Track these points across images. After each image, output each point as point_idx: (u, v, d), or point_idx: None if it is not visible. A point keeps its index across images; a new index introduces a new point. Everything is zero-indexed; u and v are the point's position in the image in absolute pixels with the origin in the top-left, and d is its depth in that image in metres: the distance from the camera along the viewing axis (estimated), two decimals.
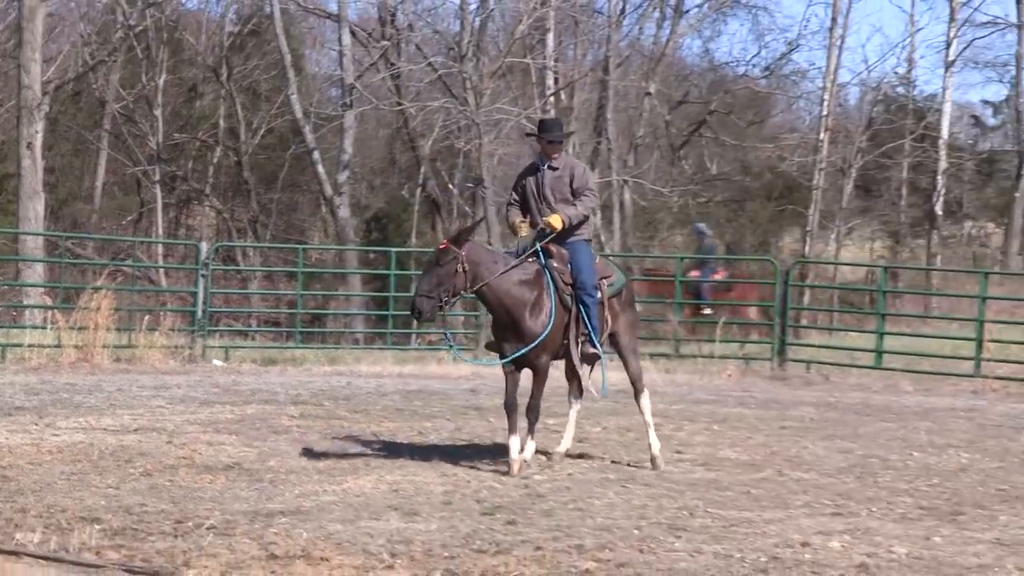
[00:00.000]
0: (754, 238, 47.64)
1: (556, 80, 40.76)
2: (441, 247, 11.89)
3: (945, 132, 49.73)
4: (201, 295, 23.70)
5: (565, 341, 12.31)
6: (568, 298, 12.22)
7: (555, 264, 12.29)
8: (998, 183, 53.76)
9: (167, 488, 10.99)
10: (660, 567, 8.71)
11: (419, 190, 43.94)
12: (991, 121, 57.96)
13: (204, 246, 24.72)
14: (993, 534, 10.04)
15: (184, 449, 12.95)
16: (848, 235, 50.60)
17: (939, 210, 49.43)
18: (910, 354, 24.08)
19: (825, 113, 46.37)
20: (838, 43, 47.20)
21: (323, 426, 14.89)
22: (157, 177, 44.69)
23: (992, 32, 51.67)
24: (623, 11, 44.82)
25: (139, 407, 16.02)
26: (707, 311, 26.67)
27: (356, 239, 41.17)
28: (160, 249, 44.34)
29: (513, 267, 12.06)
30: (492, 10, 41.37)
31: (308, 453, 12.95)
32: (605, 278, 12.59)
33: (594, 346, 12.42)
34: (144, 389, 18.01)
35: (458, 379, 21.10)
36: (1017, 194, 49.89)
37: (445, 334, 12.99)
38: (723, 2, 47.19)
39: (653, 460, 12.70)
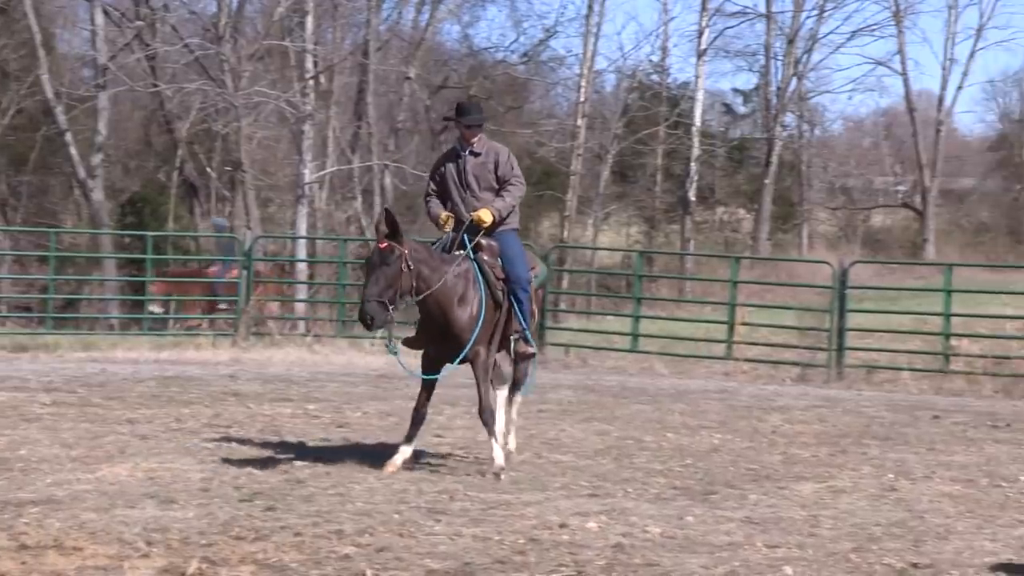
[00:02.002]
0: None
1: (315, 63, 40.44)
2: (383, 247, 11.09)
3: (698, 119, 50.85)
4: None
5: (498, 337, 11.78)
6: (500, 293, 11.66)
7: (485, 258, 11.67)
8: (748, 170, 55.14)
9: None
10: (420, 551, 8.73)
11: (176, 173, 43.21)
12: (741, 109, 59.38)
13: None
14: (743, 512, 10.29)
15: None
16: (605, 220, 51.31)
17: (692, 196, 50.50)
18: (665, 337, 24.56)
19: (582, 99, 46.96)
20: (594, 30, 47.90)
21: (77, 413, 14.57)
22: None
23: (742, 22, 53.07)
24: None
25: None
26: (222, 306, 26.83)
27: (111, 223, 40.35)
28: None
29: (455, 266, 11.43)
30: None
31: (61, 441, 12.66)
32: (531, 269, 12.08)
33: (528, 343, 11.97)
34: None
35: (216, 365, 20.86)
36: (766, 181, 51.32)
37: (387, 337, 11.57)
38: None
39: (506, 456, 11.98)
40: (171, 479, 10.96)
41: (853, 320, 22.87)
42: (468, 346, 11.41)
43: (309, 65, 40.07)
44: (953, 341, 22.76)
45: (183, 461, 11.80)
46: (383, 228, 11.26)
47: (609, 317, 30.02)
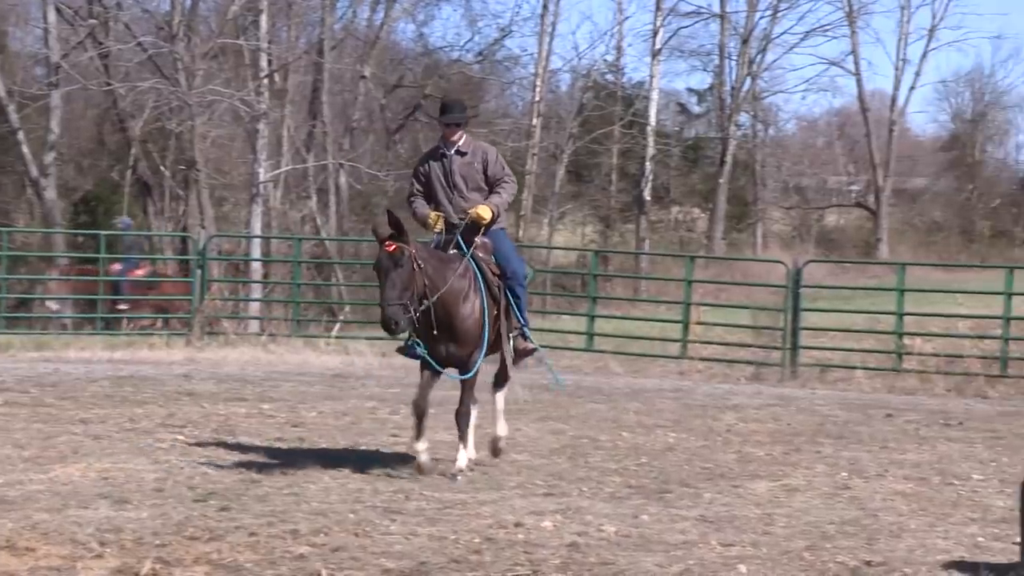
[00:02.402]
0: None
1: (270, 62, 40.34)
2: (392, 248, 10.70)
3: (653, 119, 51.02)
4: None
5: (496, 335, 11.51)
6: (496, 289, 11.41)
7: (480, 255, 11.42)
8: (703, 169, 55.30)
9: None
10: (375, 550, 8.73)
11: (129, 172, 42.99)
12: (696, 109, 59.54)
13: None
14: (698, 511, 10.32)
15: None
16: (561, 220, 51.34)
17: (647, 195, 50.63)
18: (620, 336, 24.59)
19: (537, 99, 47.03)
20: (549, 30, 48.00)
21: (29, 413, 14.49)
22: None
23: (696, 22, 53.29)
24: None
25: None
26: (123, 307, 26.89)
27: (64, 222, 40.18)
28: None
29: (458, 266, 11.18)
30: None
31: (13, 441, 12.58)
32: None
33: (527, 340, 11.77)
34: None
35: (171, 364, 20.78)
36: (721, 180, 51.50)
37: (413, 341, 11.21)
38: None
39: (495, 443, 12.21)
40: (125, 479, 10.91)
41: (807, 319, 22.95)
42: (481, 351, 11.30)
43: (263, 64, 39.98)
44: (906, 340, 22.88)
45: (137, 461, 11.75)
46: (386, 230, 10.84)
47: (564, 316, 30.04)
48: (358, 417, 14.96)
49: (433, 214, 11.41)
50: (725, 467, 12.47)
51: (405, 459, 12.34)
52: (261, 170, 38.66)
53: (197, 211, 39.22)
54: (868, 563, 8.74)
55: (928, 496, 11.24)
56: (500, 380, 12.04)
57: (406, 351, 11.60)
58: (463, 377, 11.33)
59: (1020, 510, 8.62)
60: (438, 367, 11.28)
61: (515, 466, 12.04)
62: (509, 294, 11.46)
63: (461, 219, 11.42)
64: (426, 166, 11.56)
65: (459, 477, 11.26)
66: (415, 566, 8.35)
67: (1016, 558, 8.63)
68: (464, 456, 11.42)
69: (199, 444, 12.84)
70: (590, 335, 24.17)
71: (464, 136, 11.58)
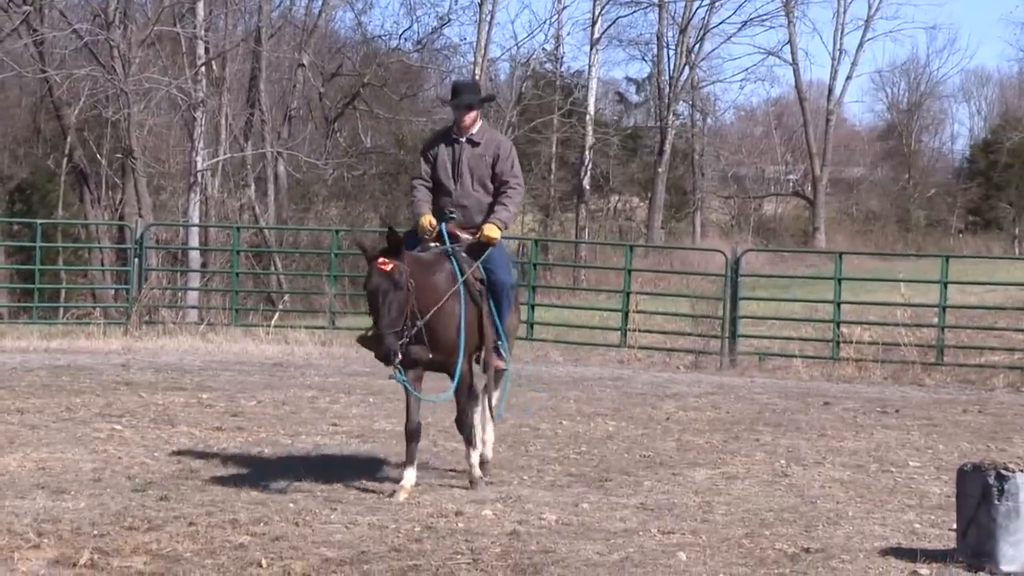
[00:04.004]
0: (409, 211, 47.98)
1: (207, 50, 40.19)
2: (388, 268, 9.63)
3: (591, 108, 51.17)
4: None
5: (480, 343, 10.52)
6: (478, 295, 10.37)
7: (463, 255, 10.37)
8: (642, 158, 55.53)
9: None
10: (315, 539, 8.71)
11: (65, 160, 42.73)
12: (635, 98, 59.82)
13: None
14: (638, 499, 10.35)
15: None
16: None
17: (587, 184, 50.81)
18: (560, 325, 24.63)
19: None
20: (488, 18, 48.07)
21: None
22: None
23: (635, 11, 53.56)
24: None
25: None
26: None
27: None
28: None
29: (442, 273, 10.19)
30: None
31: None
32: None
33: (501, 357, 10.69)
34: None
35: (108, 354, 20.64)
36: (660, 169, 51.68)
37: (397, 370, 9.87)
38: None
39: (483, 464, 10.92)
40: (62, 469, 10.83)
41: (745, 308, 23.08)
42: (460, 357, 10.21)
43: (201, 52, 39.84)
44: (843, 329, 22.99)
45: (74, 451, 11.67)
46: (376, 244, 9.89)
47: None
48: (298, 406, 14.90)
49: (426, 219, 10.39)
50: (665, 455, 12.51)
51: (345, 448, 12.31)
52: (199, 158, 38.50)
53: (134, 199, 39.00)
54: (807, 550, 8.79)
55: (865, 483, 11.31)
56: (463, 427, 10.65)
57: (365, 343, 10.48)
58: (446, 397, 10.46)
59: (956, 497, 8.70)
60: (419, 395, 10.32)
61: (455, 455, 12.02)
62: (492, 304, 10.48)
63: (451, 213, 10.51)
64: (435, 148, 10.56)
65: (483, 479, 10.58)
66: (355, 555, 8.34)
67: (952, 544, 8.70)
68: (476, 457, 10.58)
69: (137, 434, 12.76)
70: (530, 324, 24.18)
71: (479, 123, 10.60)
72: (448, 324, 10.15)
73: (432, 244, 10.43)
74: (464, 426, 10.53)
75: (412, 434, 10.19)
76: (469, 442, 10.54)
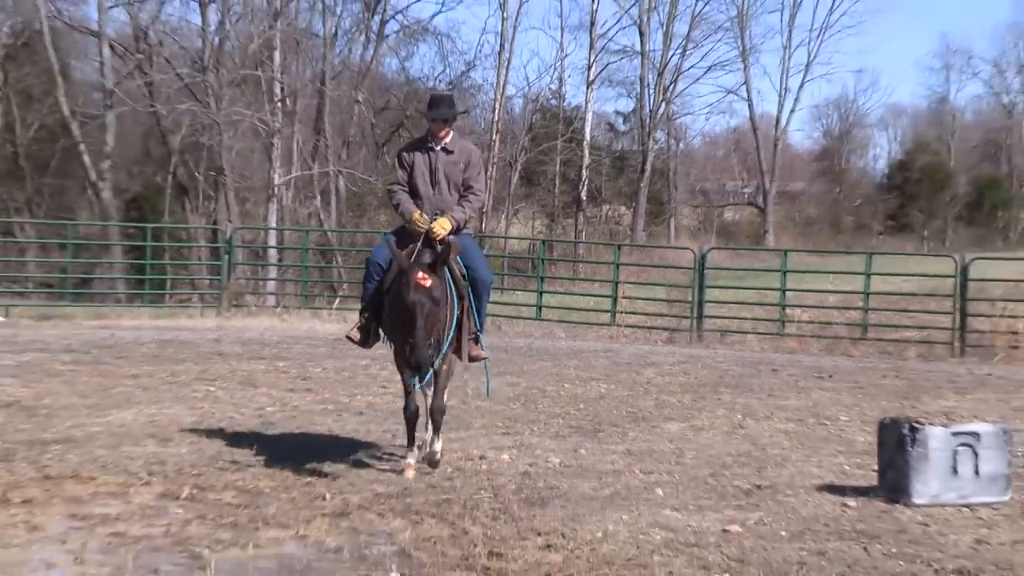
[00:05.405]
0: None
1: (282, 89, 40.14)
2: (428, 284, 8.31)
3: (587, 135, 51.07)
4: None
5: (459, 338, 9.04)
6: (463, 290, 9.03)
7: (450, 254, 8.78)
8: (628, 176, 55.39)
9: None
10: (368, 478, 8.72)
11: (170, 177, 42.73)
12: (622, 127, 59.60)
13: None
14: (624, 446, 10.35)
15: None
16: (515, 215, 51.34)
17: (584, 196, 50.68)
18: (562, 308, 24.61)
19: (496, 119, 46.94)
20: (505, 64, 47.96)
21: (91, 370, 14.40)
22: None
23: (622, 58, 53.42)
24: (336, 34, 44.49)
25: None
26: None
27: (117, 217, 39.93)
28: None
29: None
30: (228, 31, 40.60)
31: (78, 392, 12.51)
32: None
33: (481, 347, 9.32)
34: None
35: (204, 331, 20.66)
36: (642, 184, 51.60)
37: (415, 378, 8.54)
38: (415, 30, 47.30)
39: (432, 456, 9.10)
40: (168, 422, 10.86)
41: (710, 294, 23.02)
42: (445, 349, 8.83)
43: (277, 90, 39.79)
44: (788, 311, 22.98)
45: (177, 408, 11.70)
46: (421, 256, 8.54)
47: (518, 292, 30.04)
48: (354, 373, 14.92)
49: (417, 214, 8.91)
50: (646, 411, 12.50)
51: (391, 406, 12.32)
52: (276, 175, 38.48)
53: (225, 208, 39.06)
54: (758, 486, 8.78)
55: (805, 434, 11.30)
56: (436, 412, 9.12)
57: (358, 342, 9.29)
58: (425, 383, 8.81)
59: (878, 444, 8.69)
60: (424, 390, 9.04)
61: (479, 411, 12.03)
62: (472, 297, 9.15)
63: (435, 216, 8.95)
64: (411, 155, 9.16)
65: (436, 461, 9.03)
66: (400, 490, 8.35)
67: (875, 483, 8.69)
68: (439, 443, 9.06)
69: (227, 394, 12.79)
70: (538, 307, 24.17)
71: (451, 134, 9.19)
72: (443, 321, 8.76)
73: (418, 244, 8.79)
74: (437, 417, 9.06)
75: (411, 418, 8.97)
76: (437, 430, 9.05)
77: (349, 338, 9.33)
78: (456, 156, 9.09)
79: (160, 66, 40.60)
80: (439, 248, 8.57)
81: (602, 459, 9.71)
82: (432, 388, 9.05)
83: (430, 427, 9.09)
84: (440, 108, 9.12)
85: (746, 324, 22.69)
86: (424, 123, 9.39)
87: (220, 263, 25.46)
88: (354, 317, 10.47)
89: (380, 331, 9.09)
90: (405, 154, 9.16)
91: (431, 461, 8.97)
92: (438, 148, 9.09)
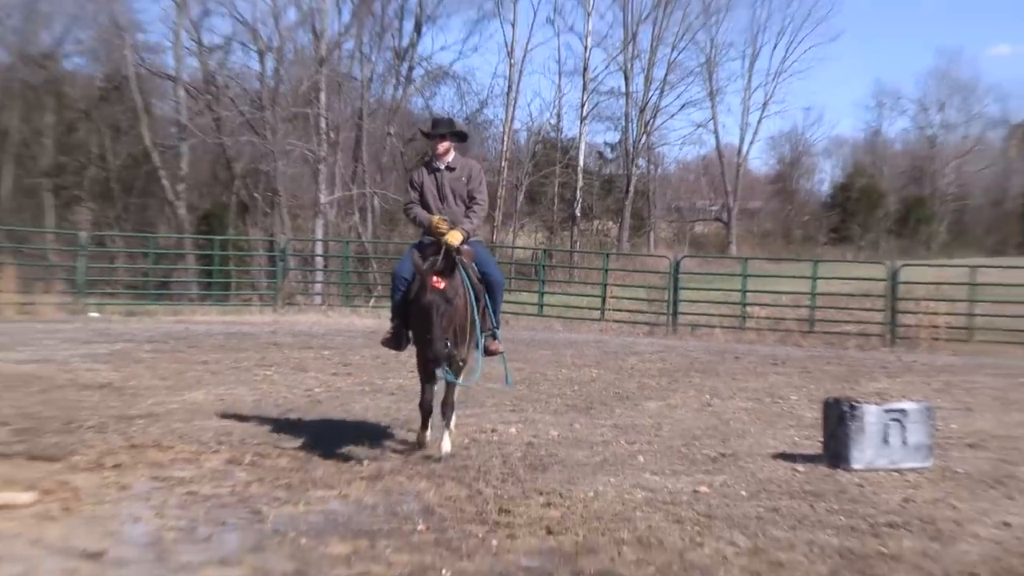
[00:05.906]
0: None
1: (327, 123, 40.16)
2: (441, 286, 7.85)
3: (581, 162, 50.97)
4: (81, 268, 22.82)
5: (471, 335, 8.45)
6: (479, 292, 8.58)
7: (465, 260, 8.45)
8: (615, 195, 55.29)
9: (57, 401, 10.50)
10: (398, 448, 8.74)
11: (234, 197, 42.77)
12: (610, 155, 59.50)
13: (83, 234, 23.77)
14: (612, 421, 10.37)
15: (70, 374, 12.39)
16: (521, 228, 51.32)
17: (578, 212, 50.60)
18: (560, 306, 24.64)
19: (504, 148, 46.95)
20: (512, 103, 47.88)
21: (169, 357, 14.44)
22: (50, 187, 42.82)
23: (610, 98, 53.21)
24: (371, 78, 44.49)
25: (36, 345, 15.25)
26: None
27: (190, 230, 40.04)
28: (51, 236, 42.03)
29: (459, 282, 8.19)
30: (282, 75, 40.70)
31: (158, 375, 12.55)
32: None
33: (497, 341, 8.80)
34: (40, 333, 17.13)
35: (262, 325, 20.71)
36: (626, 203, 51.48)
37: (446, 368, 8.11)
38: (437, 74, 47.39)
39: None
40: (233, 400, 10.90)
41: (683, 295, 23.04)
42: (467, 347, 8.42)
43: (323, 125, 39.82)
44: (748, 308, 22.99)
45: (240, 388, 11.73)
46: (433, 262, 8.01)
47: (523, 292, 30.05)
48: (387, 360, 14.95)
49: (436, 218, 8.45)
50: (629, 392, 12.52)
51: (418, 387, 12.32)
52: (322, 196, 38.51)
53: (279, 223, 39.07)
54: (723, 455, 8.80)
55: (762, 411, 11.31)
56: (447, 407, 8.69)
57: (391, 344, 8.81)
58: (451, 378, 8.36)
59: (823, 419, 8.70)
60: (459, 382, 8.54)
61: (490, 392, 12.06)
62: (488, 297, 8.72)
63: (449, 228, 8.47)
64: (420, 176, 8.75)
65: (442, 459, 8.31)
66: (422, 457, 8.36)
67: (820, 451, 8.70)
68: (448, 442, 8.48)
69: (282, 377, 12.82)
70: (540, 306, 24.19)
71: (452, 152, 8.73)
72: (464, 321, 8.30)
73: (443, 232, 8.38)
74: (447, 410, 8.64)
75: (427, 408, 8.60)
76: (448, 425, 8.66)
77: (384, 343, 8.82)
78: (459, 172, 8.71)
79: (225, 104, 40.66)
80: (453, 255, 8.11)
81: (593, 432, 9.73)
82: (449, 383, 8.51)
83: (442, 421, 8.65)
84: (440, 127, 8.71)
85: (713, 319, 22.69)
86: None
87: (275, 269, 25.50)
88: (387, 313, 10.39)
89: (410, 334, 8.57)
90: (415, 176, 8.82)
91: (437, 458, 8.31)
92: (443, 167, 8.68)
